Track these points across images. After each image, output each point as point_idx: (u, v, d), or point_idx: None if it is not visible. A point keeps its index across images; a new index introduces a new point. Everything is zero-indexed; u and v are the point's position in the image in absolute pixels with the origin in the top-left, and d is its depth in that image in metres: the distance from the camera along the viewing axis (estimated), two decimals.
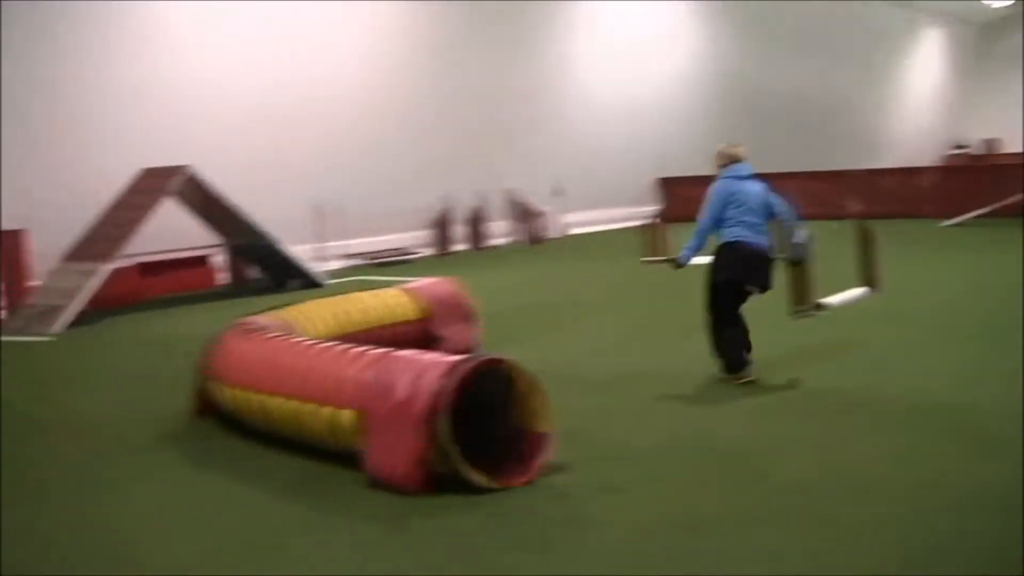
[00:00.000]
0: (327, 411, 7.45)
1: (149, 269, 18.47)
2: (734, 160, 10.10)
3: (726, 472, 7.12)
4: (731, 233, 9.76)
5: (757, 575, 5.37)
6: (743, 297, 9.85)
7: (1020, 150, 44.47)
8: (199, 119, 19.89)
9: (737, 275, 9.75)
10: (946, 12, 47.40)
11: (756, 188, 9.93)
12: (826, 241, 16.63)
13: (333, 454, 7.69)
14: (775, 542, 5.79)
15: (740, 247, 9.72)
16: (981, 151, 49.52)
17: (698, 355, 11.16)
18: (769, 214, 9.86)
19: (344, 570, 5.71)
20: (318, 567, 5.77)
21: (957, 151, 49.12)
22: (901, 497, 6.40)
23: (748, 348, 9.84)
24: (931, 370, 9.89)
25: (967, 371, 9.79)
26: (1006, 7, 47.37)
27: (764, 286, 9.83)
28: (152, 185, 17.16)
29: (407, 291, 11.60)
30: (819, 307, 10.84)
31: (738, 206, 9.78)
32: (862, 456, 7.32)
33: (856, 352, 10.89)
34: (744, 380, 9.66)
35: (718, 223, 9.85)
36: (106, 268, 15.91)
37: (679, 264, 10.23)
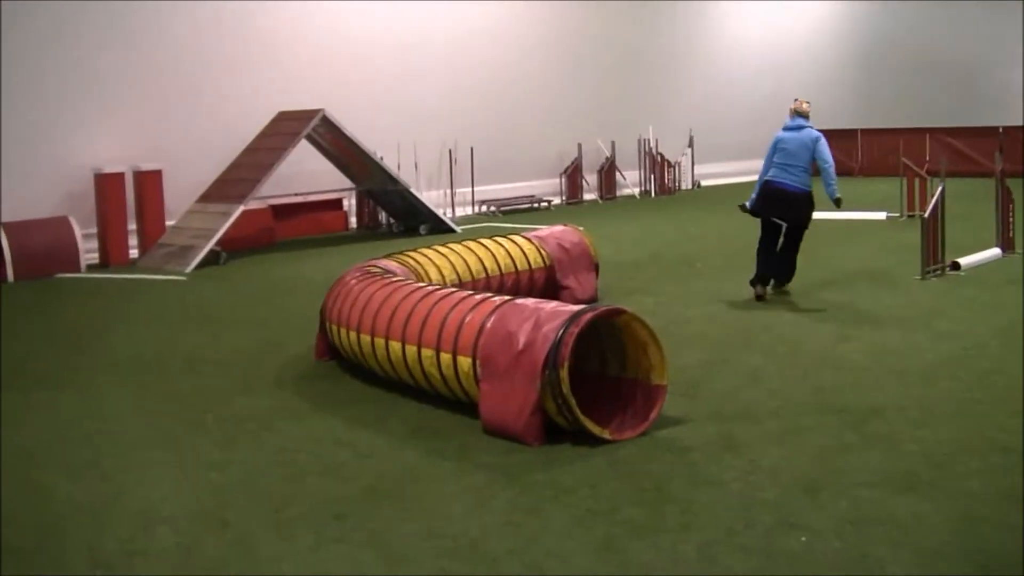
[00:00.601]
0: (446, 357, 7.46)
1: (282, 211, 18.72)
2: (797, 114, 11.92)
3: (854, 434, 6.94)
4: (769, 174, 11.81)
5: (878, 543, 5.23)
6: (774, 228, 11.89)
7: None
8: (334, 64, 20.02)
9: (761, 209, 11.92)
10: None
11: (801, 137, 11.67)
12: (963, 201, 16.26)
13: (451, 401, 7.72)
14: (902, 509, 5.62)
15: (770, 186, 11.78)
16: None
17: (823, 310, 11.01)
18: (810, 160, 11.64)
19: (455, 519, 5.71)
20: (430, 514, 5.78)
21: None
22: None
23: (771, 275, 11.87)
24: None
25: None
26: None
27: (788, 220, 11.81)
28: (287, 128, 17.36)
29: (532, 239, 11.58)
30: (955, 266, 11.30)
31: (780, 152, 11.72)
32: (1003, 425, 7.07)
33: (990, 316, 10.55)
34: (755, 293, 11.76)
35: (768, 167, 11.87)
36: (239, 209, 16.14)
37: (742, 207, 12.22)
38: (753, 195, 12.02)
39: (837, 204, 11.84)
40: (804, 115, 11.89)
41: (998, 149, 18.81)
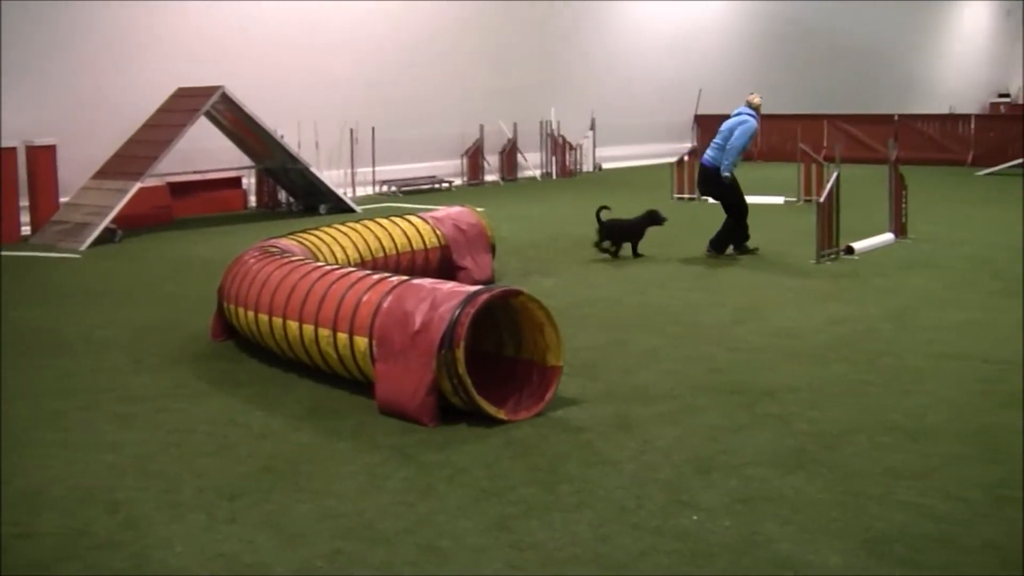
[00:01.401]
0: (343, 338, 7.44)
1: (179, 189, 18.48)
2: (746, 103, 13.66)
3: (746, 414, 7.05)
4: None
5: (767, 520, 5.31)
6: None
7: None
8: (234, 40, 19.77)
9: (698, 187, 14.39)
10: None
11: (730, 121, 13.45)
12: (858, 186, 16.59)
13: (348, 381, 7.70)
14: (791, 487, 5.72)
15: (701, 165, 13.78)
16: (1022, 101, 48.98)
17: (720, 292, 11.14)
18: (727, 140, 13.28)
19: (350, 499, 5.69)
20: (324, 494, 5.75)
21: (1000, 100, 48.56)
22: (932, 447, 6.32)
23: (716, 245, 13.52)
24: (958, 321, 9.74)
25: (998, 324, 9.64)
26: None
27: (708, 193, 14.14)
28: (185, 105, 17.12)
29: (428, 219, 11.58)
30: (850, 251, 11.72)
31: (717, 135, 13.49)
32: (892, 405, 7.22)
33: (883, 299, 10.75)
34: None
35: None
36: (136, 187, 15.89)
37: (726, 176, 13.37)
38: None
39: (724, 180, 13.28)
40: (749, 105, 13.62)
41: (892, 137, 19.16)
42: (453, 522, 5.35)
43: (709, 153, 13.53)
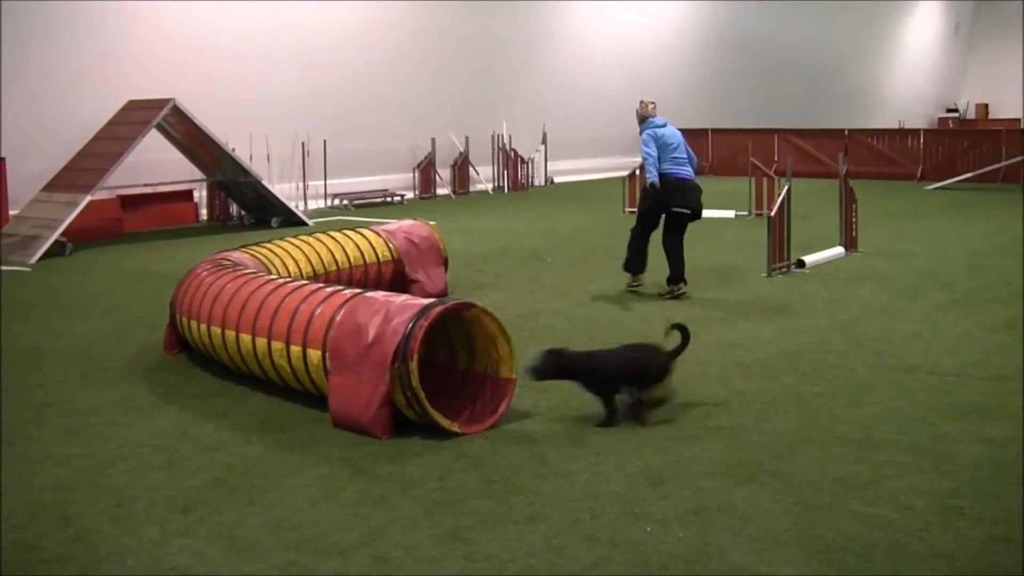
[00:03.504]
0: (296, 350, 7.42)
1: (130, 202, 18.38)
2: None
3: (698, 426, 7.09)
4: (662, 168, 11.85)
5: (719, 531, 5.34)
6: (670, 221, 12.01)
7: (1009, 116, 44.78)
8: (186, 52, 19.68)
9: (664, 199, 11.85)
10: None
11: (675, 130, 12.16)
12: (809, 200, 16.75)
13: (300, 393, 7.68)
14: (743, 498, 5.76)
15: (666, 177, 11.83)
16: (971, 116, 49.64)
17: (671, 306, 11.18)
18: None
19: (303, 511, 5.68)
20: (277, 507, 5.74)
21: (949, 115, 49.17)
22: (881, 457, 6.38)
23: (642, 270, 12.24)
24: (906, 334, 9.84)
25: (946, 336, 9.75)
26: None
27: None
28: (136, 117, 17.04)
29: (381, 233, 11.58)
30: (800, 264, 11.70)
31: (666, 148, 11.88)
32: (842, 416, 7.29)
33: (833, 312, 10.84)
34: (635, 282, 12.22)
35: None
36: (86, 199, 15.78)
37: (652, 185, 11.86)
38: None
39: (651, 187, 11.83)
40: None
41: (843, 151, 19.34)
42: (406, 534, 5.35)
43: (687, 168, 12.03)
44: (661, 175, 11.77)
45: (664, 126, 12.06)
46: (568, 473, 6.19)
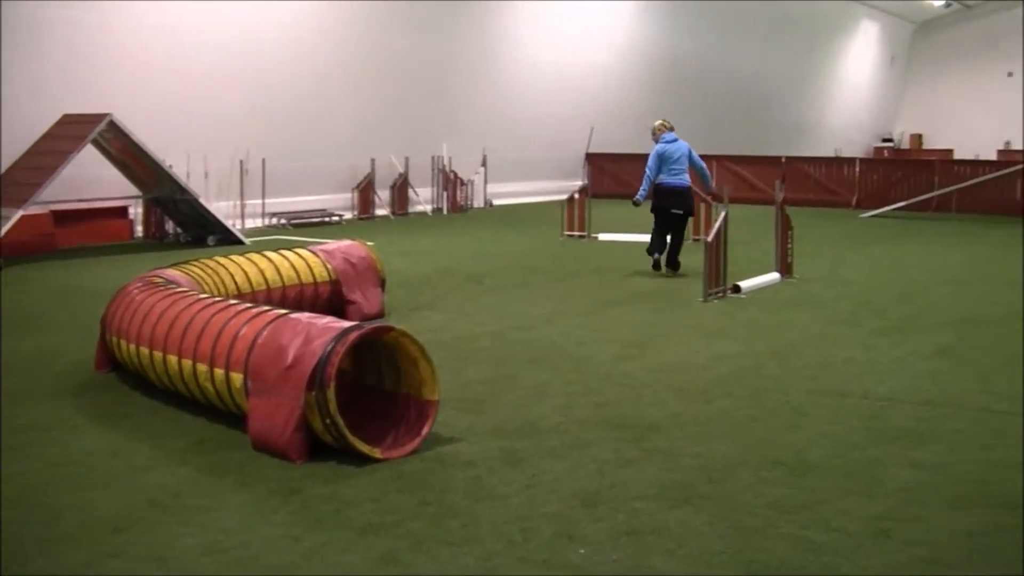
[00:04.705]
0: (219, 373, 7.35)
1: (64, 217, 18.18)
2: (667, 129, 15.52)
3: (633, 449, 7.09)
4: (660, 178, 15.15)
5: (653, 553, 5.35)
6: (670, 219, 15.17)
7: (942, 146, 45.60)
8: (123, 67, 19.48)
9: (660, 203, 15.21)
10: (884, 8, 47.74)
11: (683, 145, 15.38)
12: (745, 227, 16.91)
13: (235, 414, 7.61)
14: (677, 521, 5.77)
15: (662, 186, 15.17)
16: (905, 145, 50.43)
17: (608, 329, 11.22)
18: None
19: (236, 532, 5.63)
20: (210, 528, 5.68)
21: (884, 144, 49.87)
22: (814, 481, 6.43)
23: (662, 254, 15.28)
24: (840, 359, 9.94)
25: (879, 362, 9.86)
26: (943, 7, 48.08)
27: (681, 209, 15.16)
28: (72, 132, 16.88)
29: (318, 253, 11.53)
30: (736, 289, 12.99)
31: (668, 161, 15.11)
32: (776, 440, 7.35)
33: (768, 337, 10.93)
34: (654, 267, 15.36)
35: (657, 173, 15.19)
36: (18, 214, 15.60)
37: (636, 203, 15.63)
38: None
39: (634, 204, 15.66)
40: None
41: (780, 178, 19.52)
42: (340, 556, 5.32)
43: (682, 177, 15.22)
44: (660, 183, 15.09)
45: (673, 142, 15.28)
46: (503, 495, 6.18)
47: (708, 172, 15.99)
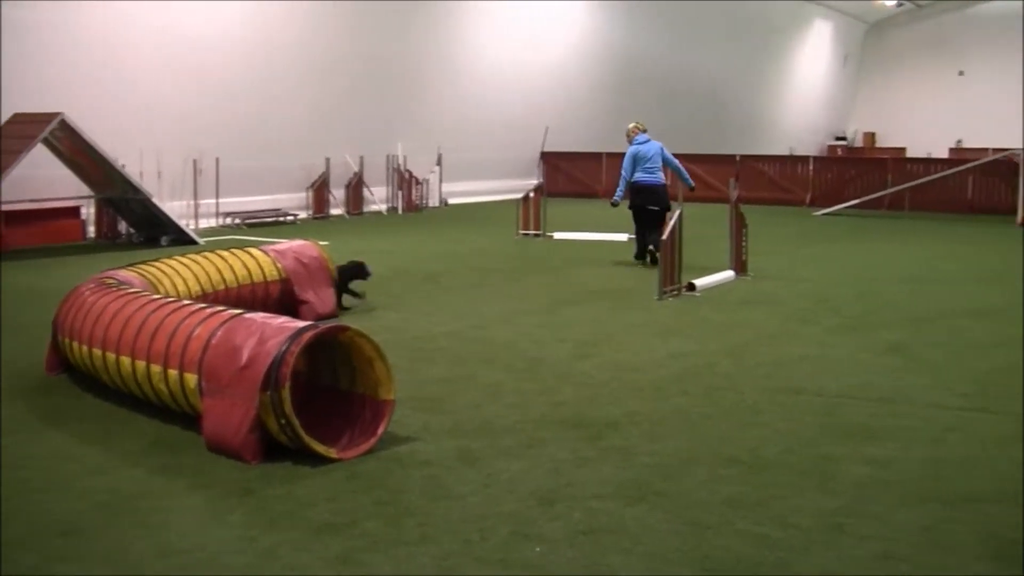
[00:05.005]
0: (173, 374, 7.30)
1: (14, 218, 17.98)
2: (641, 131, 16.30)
3: (589, 447, 7.10)
4: (636, 177, 15.93)
5: (609, 551, 5.36)
6: (647, 215, 15.85)
7: (894, 144, 46.03)
8: (75, 66, 19.31)
9: (636, 201, 15.98)
10: (837, 7, 48.07)
11: (655, 146, 16.14)
12: (700, 225, 16.98)
13: (188, 415, 7.56)
14: (633, 518, 5.78)
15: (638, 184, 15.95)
16: (859, 144, 50.84)
17: (564, 328, 11.23)
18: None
19: (191, 534, 5.58)
20: (164, 530, 5.63)
21: (837, 143, 50.24)
22: (769, 477, 6.46)
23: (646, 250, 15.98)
24: (794, 357, 9.99)
25: (833, 359, 9.92)
26: (895, 7, 48.49)
27: (657, 206, 15.70)
28: (22, 131, 16.71)
29: (269, 252, 11.48)
30: (691, 287, 12.96)
31: (643, 161, 15.91)
32: (730, 437, 7.37)
33: (723, 335, 10.98)
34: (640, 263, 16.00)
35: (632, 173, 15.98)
36: None
37: (613, 203, 16.43)
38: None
39: (611, 204, 16.53)
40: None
41: (734, 177, 19.54)
42: (296, 556, 5.29)
43: (657, 175, 15.97)
44: (636, 182, 15.86)
45: (646, 142, 16.08)
46: (459, 495, 6.17)
47: (682, 168, 16.49)
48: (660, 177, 16.02)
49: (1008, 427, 7.65)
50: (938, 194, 26.49)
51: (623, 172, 16.07)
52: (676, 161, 16.50)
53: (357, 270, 12.50)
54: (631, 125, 16.45)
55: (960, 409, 8.12)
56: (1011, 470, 6.66)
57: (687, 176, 16.44)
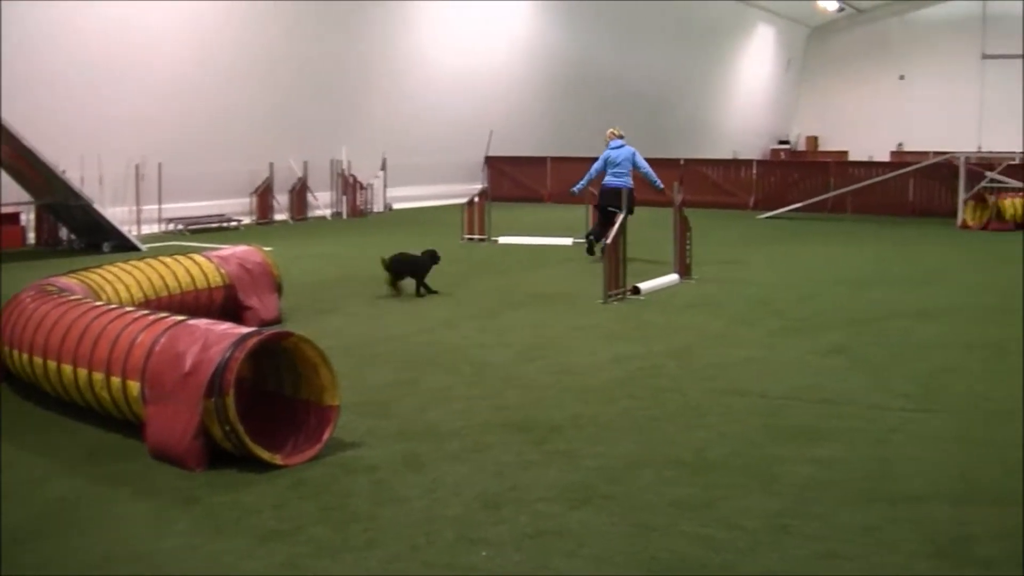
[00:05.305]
0: (116, 382, 7.23)
1: None
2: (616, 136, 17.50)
3: (535, 451, 7.12)
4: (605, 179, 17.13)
5: (555, 554, 5.37)
6: (608, 216, 15.88)
7: (837, 148, 46.50)
8: (13, 69, 19.03)
9: (601, 202, 17.08)
10: (780, 12, 48.42)
11: (625, 151, 17.29)
12: (645, 229, 17.03)
13: (132, 423, 7.50)
14: (579, 521, 5.80)
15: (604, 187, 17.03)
16: (801, 148, 51.26)
17: (509, 332, 11.24)
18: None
19: (135, 542, 5.54)
20: (108, 539, 5.59)
21: (780, 146, 50.64)
22: (714, 479, 6.50)
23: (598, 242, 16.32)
24: (739, 359, 10.06)
25: (777, 361, 9.99)
26: (836, 12, 48.96)
27: (615, 207, 15.27)
28: None
29: (212, 258, 11.42)
30: (636, 291, 12.27)
31: (612, 165, 17.10)
32: (676, 439, 7.41)
33: (668, 338, 11.03)
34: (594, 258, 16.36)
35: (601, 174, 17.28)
36: None
37: (572, 191, 18.69)
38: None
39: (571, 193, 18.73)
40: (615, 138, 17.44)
41: (678, 180, 19.63)
42: (242, 563, 5.27)
43: (623, 179, 16.87)
44: (604, 184, 17.01)
45: (619, 147, 17.29)
46: (405, 499, 6.17)
47: (652, 172, 17.58)
48: (627, 181, 16.73)
49: (950, 427, 7.74)
50: (880, 197, 26.74)
51: (591, 170, 17.57)
52: (647, 166, 17.52)
53: (431, 258, 13.82)
54: (608, 131, 17.67)
55: (903, 410, 8.21)
56: (953, 470, 6.74)
57: (656, 179, 17.50)
